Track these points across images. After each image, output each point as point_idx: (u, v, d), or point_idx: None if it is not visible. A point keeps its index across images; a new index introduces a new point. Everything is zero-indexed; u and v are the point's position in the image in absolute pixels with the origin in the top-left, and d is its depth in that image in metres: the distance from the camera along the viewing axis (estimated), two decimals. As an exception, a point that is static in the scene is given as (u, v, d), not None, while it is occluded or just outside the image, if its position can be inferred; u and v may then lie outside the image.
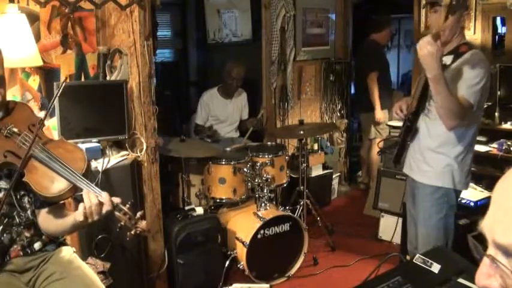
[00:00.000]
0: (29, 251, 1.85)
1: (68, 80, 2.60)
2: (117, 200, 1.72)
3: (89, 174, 1.86)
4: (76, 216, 1.69)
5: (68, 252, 1.93)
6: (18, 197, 1.81)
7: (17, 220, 1.81)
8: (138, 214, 1.73)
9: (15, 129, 1.78)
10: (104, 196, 1.68)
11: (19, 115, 1.85)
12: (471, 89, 2.17)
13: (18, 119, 1.83)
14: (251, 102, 4.52)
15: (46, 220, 1.83)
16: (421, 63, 2.15)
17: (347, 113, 5.37)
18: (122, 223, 1.71)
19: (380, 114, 4.65)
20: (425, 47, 2.09)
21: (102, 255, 2.39)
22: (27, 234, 1.84)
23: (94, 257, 2.35)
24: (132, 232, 1.71)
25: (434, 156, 2.33)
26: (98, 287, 1.86)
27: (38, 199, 1.82)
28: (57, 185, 1.72)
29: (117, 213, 1.70)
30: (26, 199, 1.84)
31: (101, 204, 1.66)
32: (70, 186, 1.72)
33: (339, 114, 5.27)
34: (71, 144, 1.90)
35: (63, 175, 1.71)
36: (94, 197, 1.66)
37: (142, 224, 1.72)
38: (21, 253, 1.83)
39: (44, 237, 1.88)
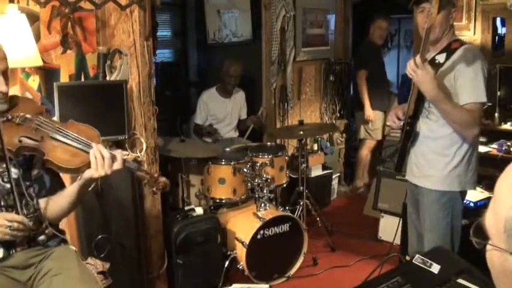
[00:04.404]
0: (33, 244, 1.85)
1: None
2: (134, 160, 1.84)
3: None
4: (85, 174, 1.74)
5: (69, 250, 1.94)
6: (25, 186, 1.82)
7: (24, 211, 1.81)
8: (156, 174, 1.87)
9: (28, 116, 1.80)
10: (118, 152, 1.77)
11: (25, 106, 1.87)
12: (477, 88, 2.15)
13: (25, 109, 1.85)
14: (251, 103, 4.51)
15: (50, 203, 1.85)
16: (419, 87, 2.15)
17: (347, 113, 5.37)
18: (145, 181, 1.84)
19: (369, 111, 4.66)
20: (415, 72, 2.09)
21: (102, 255, 2.39)
22: (32, 227, 1.84)
23: (94, 257, 2.35)
24: (155, 189, 1.84)
25: (439, 160, 2.26)
26: (97, 286, 1.86)
27: (42, 188, 1.84)
28: (78, 158, 1.77)
29: (139, 173, 1.81)
30: (31, 189, 1.85)
31: (113, 158, 1.73)
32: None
33: (338, 114, 5.27)
34: (83, 125, 1.94)
35: (83, 148, 1.77)
36: (106, 151, 1.73)
37: (163, 179, 1.85)
38: (26, 246, 1.83)
39: (47, 231, 1.89)
